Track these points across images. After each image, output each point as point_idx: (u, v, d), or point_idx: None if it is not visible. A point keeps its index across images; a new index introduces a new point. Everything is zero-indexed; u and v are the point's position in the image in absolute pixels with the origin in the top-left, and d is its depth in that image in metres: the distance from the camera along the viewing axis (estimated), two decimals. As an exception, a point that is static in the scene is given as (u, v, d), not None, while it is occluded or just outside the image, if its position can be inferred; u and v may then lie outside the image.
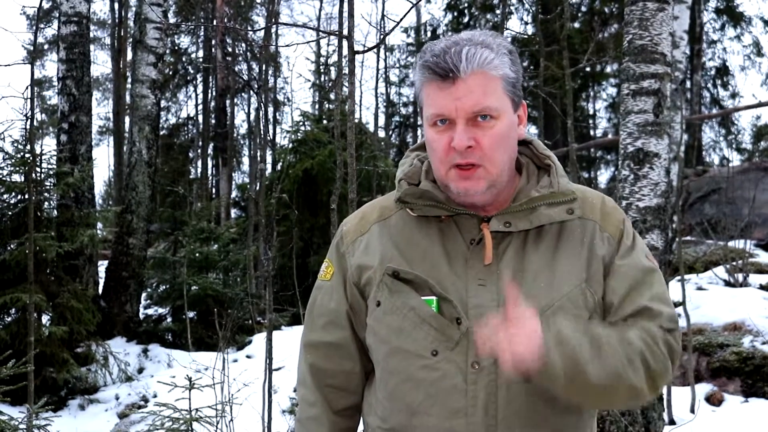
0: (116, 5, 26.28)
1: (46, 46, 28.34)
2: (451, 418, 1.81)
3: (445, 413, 1.82)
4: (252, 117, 23.76)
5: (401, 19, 4.49)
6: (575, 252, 1.87)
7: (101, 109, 34.74)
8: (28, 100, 7.96)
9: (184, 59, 26.62)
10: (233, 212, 22.32)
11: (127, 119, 21.21)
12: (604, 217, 1.92)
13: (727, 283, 10.56)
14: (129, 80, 19.48)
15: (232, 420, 6.06)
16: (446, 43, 1.81)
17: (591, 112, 24.93)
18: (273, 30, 22.09)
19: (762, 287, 10.19)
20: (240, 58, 24.01)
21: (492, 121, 1.80)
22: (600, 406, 1.85)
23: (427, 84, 1.83)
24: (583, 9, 21.75)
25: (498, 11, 20.36)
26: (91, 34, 16.87)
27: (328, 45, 21.68)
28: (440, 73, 1.79)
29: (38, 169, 9.16)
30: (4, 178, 9.19)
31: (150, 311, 12.85)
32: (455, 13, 22.51)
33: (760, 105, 19.16)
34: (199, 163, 26.49)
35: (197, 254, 12.00)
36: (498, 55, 1.81)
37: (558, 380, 1.70)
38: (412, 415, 1.86)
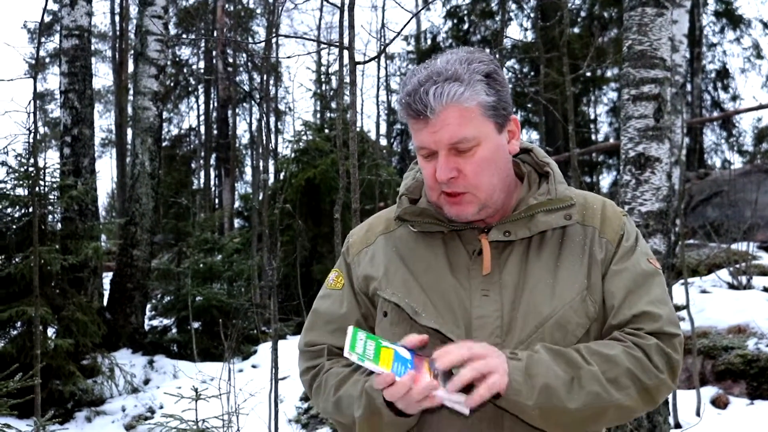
0: (117, 18, 26.37)
1: (47, 60, 28.41)
2: (457, 427, 1.82)
3: (450, 423, 1.83)
4: (254, 127, 23.85)
5: (400, 31, 4.52)
6: (577, 260, 1.89)
7: (103, 121, 34.84)
8: (31, 114, 8.00)
9: (185, 71, 26.66)
10: (236, 222, 22.32)
11: (129, 131, 21.24)
12: (603, 222, 1.93)
13: (731, 286, 10.56)
14: (131, 92, 19.52)
15: (238, 430, 6.07)
16: (419, 78, 1.82)
17: (592, 116, 24.88)
18: (273, 41, 22.14)
19: (765, 289, 10.19)
20: (241, 69, 24.10)
21: (474, 148, 1.82)
22: (593, 429, 1.83)
23: (407, 120, 1.87)
24: (583, 14, 21.76)
25: (497, 18, 20.39)
26: (93, 47, 16.91)
27: (329, 54, 21.69)
28: (413, 114, 1.82)
29: (42, 183, 9.19)
30: (8, 192, 9.23)
31: (155, 322, 12.86)
32: (455, 21, 22.49)
33: (761, 107, 19.19)
34: (202, 173, 26.53)
35: (201, 265, 12.02)
36: (469, 85, 1.80)
37: (529, 412, 1.73)
38: (418, 431, 1.87)
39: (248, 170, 27.52)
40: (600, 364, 1.75)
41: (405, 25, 4.41)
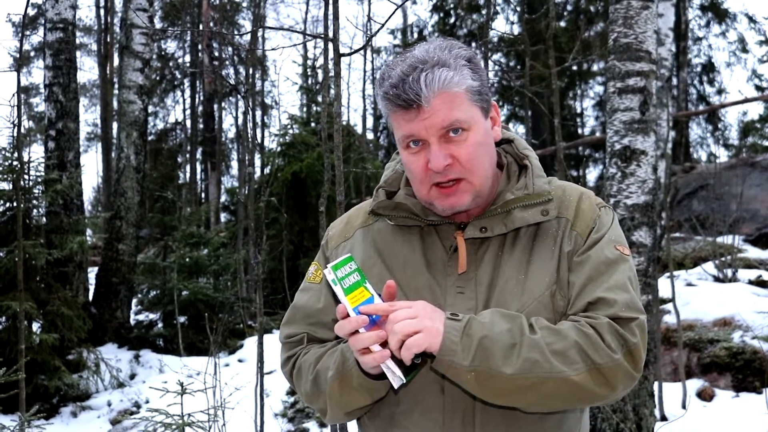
0: (102, 11, 26.23)
1: (32, 53, 28.25)
2: (429, 427, 1.82)
3: (423, 422, 1.83)
4: (240, 121, 23.75)
5: (385, 23, 4.50)
6: (548, 253, 1.87)
7: (89, 115, 34.74)
8: (15, 108, 7.93)
9: (170, 64, 26.55)
10: (222, 216, 22.29)
11: (114, 125, 21.19)
12: (577, 215, 1.91)
13: (717, 279, 10.60)
14: (116, 86, 19.44)
15: (224, 424, 6.06)
16: (402, 68, 1.79)
17: (578, 110, 24.91)
18: (259, 33, 22.06)
19: (751, 282, 10.23)
20: (227, 62, 24.00)
21: (464, 133, 1.80)
22: (538, 406, 1.74)
23: (393, 113, 1.83)
24: (569, 8, 21.78)
25: (484, 11, 20.38)
26: (77, 41, 16.83)
27: (315, 47, 21.65)
28: (403, 105, 1.78)
29: (26, 177, 9.13)
30: (-8, 187, 9.17)
31: (141, 317, 12.83)
32: (441, 14, 22.48)
33: (746, 101, 19.25)
34: (188, 167, 26.44)
35: (187, 259, 11.99)
36: (457, 70, 1.79)
37: (465, 376, 1.68)
38: (391, 420, 1.88)
39: (234, 164, 27.50)
40: (547, 336, 1.70)
41: (390, 16, 4.40)
